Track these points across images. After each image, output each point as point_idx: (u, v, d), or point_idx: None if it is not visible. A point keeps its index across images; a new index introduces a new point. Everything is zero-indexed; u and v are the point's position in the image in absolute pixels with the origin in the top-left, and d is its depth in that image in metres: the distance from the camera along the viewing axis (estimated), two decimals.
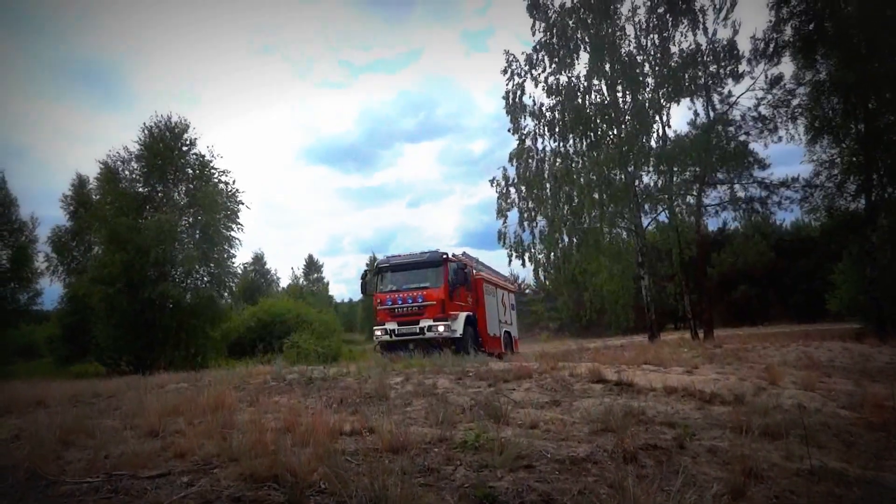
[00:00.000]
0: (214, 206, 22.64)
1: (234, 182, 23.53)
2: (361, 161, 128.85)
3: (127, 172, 23.54)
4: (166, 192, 23.62)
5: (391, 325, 13.85)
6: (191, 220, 23.30)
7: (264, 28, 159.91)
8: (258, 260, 53.71)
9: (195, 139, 23.84)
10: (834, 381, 6.25)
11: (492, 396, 5.08)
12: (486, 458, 3.20)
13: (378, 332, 14.02)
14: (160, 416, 4.66)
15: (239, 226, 23.81)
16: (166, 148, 23.10)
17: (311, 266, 62.25)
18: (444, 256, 14.34)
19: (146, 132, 23.30)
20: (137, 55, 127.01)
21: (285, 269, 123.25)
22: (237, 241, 24.00)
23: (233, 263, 24.51)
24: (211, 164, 23.70)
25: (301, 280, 59.58)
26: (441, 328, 13.29)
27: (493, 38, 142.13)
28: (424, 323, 13.50)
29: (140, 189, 23.67)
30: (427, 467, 3.07)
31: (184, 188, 23.74)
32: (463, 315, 14.25)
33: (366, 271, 15.91)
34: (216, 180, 23.67)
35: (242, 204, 23.91)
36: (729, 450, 3.34)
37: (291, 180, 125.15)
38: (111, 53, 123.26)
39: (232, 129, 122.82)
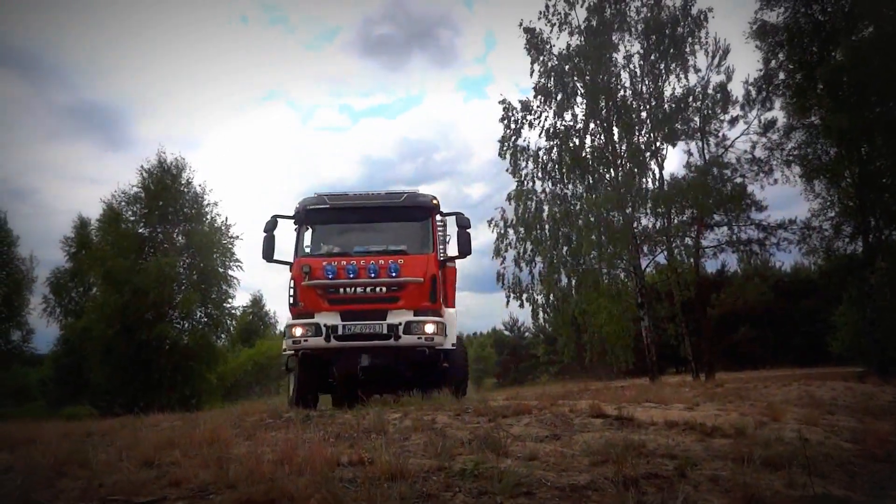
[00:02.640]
0: (210, 244, 22.76)
1: (227, 219, 23.64)
2: None
3: (129, 213, 23.78)
4: (165, 232, 23.81)
5: (328, 319, 7.93)
6: (188, 260, 23.40)
7: (268, 74, 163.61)
8: (256, 302, 53.41)
9: (191, 178, 24.13)
10: (836, 418, 6.19)
11: (491, 430, 5.03)
12: (485, 486, 3.16)
13: (298, 332, 7.94)
14: (155, 449, 4.60)
15: (238, 264, 23.88)
16: (164, 188, 23.37)
17: None
18: (434, 202, 8.89)
19: (145, 173, 23.61)
20: (143, 99, 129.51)
21: (284, 312, 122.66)
22: (235, 281, 24.03)
23: (231, 304, 24.50)
24: (205, 202, 23.92)
25: None
26: (430, 328, 7.96)
27: (491, 85, 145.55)
28: (396, 318, 7.94)
29: (140, 230, 23.85)
30: (426, 493, 3.04)
31: (182, 228, 23.92)
32: (454, 314, 9.34)
33: (273, 218, 8.84)
34: (211, 217, 23.86)
35: (238, 238, 23.99)
36: (731, 478, 3.30)
37: (290, 224, 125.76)
38: (117, 97, 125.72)
39: (234, 173, 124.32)
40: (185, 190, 23.47)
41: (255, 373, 27.35)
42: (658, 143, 20.19)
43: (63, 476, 4.02)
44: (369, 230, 9.00)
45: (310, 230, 8.95)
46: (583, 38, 19.68)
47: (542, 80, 20.19)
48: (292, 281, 8.35)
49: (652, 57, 19.91)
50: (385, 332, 7.99)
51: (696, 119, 20.02)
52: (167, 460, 4.30)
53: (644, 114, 20.33)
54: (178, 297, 21.85)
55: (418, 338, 8.02)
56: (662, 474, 3.42)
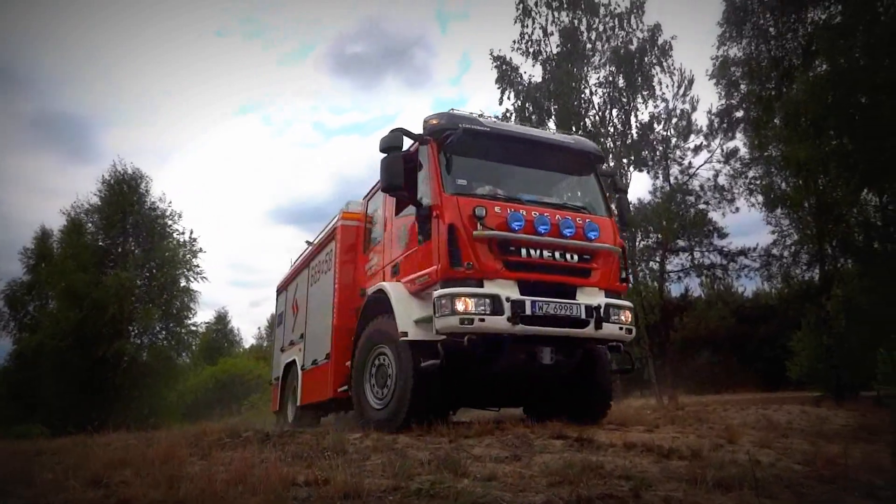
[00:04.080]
0: (172, 258, 22.37)
1: (191, 231, 23.23)
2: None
3: (90, 225, 23.25)
4: (125, 245, 23.33)
5: (505, 291, 5.69)
6: (148, 274, 22.93)
7: (241, 89, 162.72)
8: (221, 319, 52.53)
9: (149, 189, 23.72)
10: (791, 440, 6.34)
11: (451, 451, 5.01)
12: None
13: (469, 306, 5.51)
14: (105, 467, 4.47)
15: (201, 277, 23.43)
16: (124, 201, 22.96)
17: (275, 326, 61.10)
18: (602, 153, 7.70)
19: (104, 184, 23.17)
20: (112, 110, 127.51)
21: (250, 329, 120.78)
22: (197, 294, 23.59)
23: (192, 321, 24.01)
24: (167, 214, 23.55)
25: (265, 341, 58.34)
26: (629, 317, 6.26)
27: (464, 107, 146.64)
28: (587, 298, 6.05)
29: (101, 243, 23.31)
30: None
31: (142, 241, 23.47)
32: None
33: (398, 132, 6.39)
34: (172, 230, 23.48)
35: (202, 251, 23.59)
36: (683, 499, 3.36)
37: (260, 239, 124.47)
38: (85, 107, 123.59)
39: (204, 187, 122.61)
40: (145, 201, 23.08)
41: (216, 391, 26.68)
42: (624, 170, 20.62)
43: (7, 496, 3.88)
44: (529, 177, 6.93)
45: (445, 160, 6.17)
46: (553, 66, 20.08)
47: (513, 107, 20.50)
48: (437, 227, 5.90)
49: (620, 84, 20.41)
50: (582, 315, 5.92)
51: (661, 147, 20.56)
52: (117, 479, 4.18)
53: (611, 141, 20.77)
54: (138, 312, 21.32)
55: (619, 328, 6.14)
56: (617, 495, 3.46)
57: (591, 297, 6.14)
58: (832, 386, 18.36)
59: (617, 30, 19.89)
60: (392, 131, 6.46)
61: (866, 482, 3.82)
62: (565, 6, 19.98)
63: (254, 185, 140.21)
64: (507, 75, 20.56)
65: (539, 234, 5.98)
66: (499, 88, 20.70)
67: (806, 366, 24.92)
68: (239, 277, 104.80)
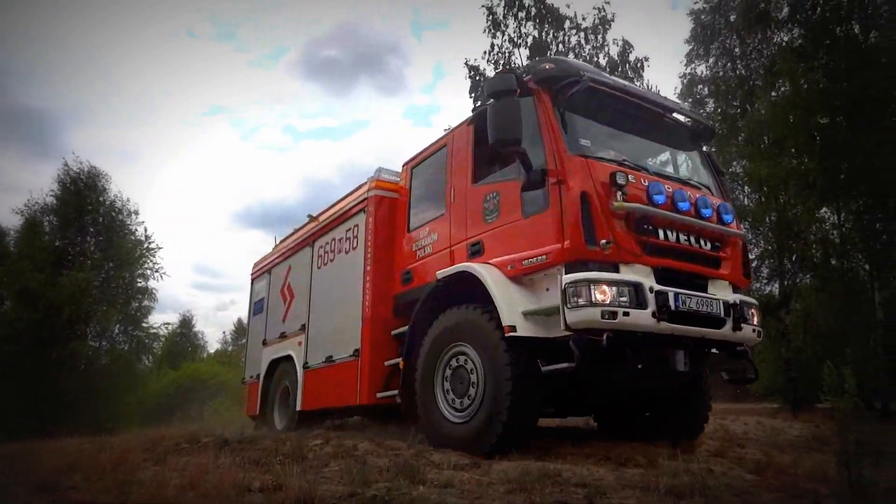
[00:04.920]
0: (130, 257, 21.92)
1: (145, 229, 22.77)
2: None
3: (46, 224, 22.69)
4: (83, 245, 22.81)
5: (646, 280, 4.70)
6: (105, 275, 22.44)
7: (211, 89, 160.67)
8: (186, 323, 51.61)
9: (106, 187, 23.24)
10: (745, 450, 6.48)
11: (411, 458, 5.01)
12: None
13: (607, 295, 4.46)
14: (55, 473, 4.36)
15: (161, 273, 22.94)
16: (81, 200, 22.46)
17: (241, 331, 60.24)
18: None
19: (59, 184, 22.67)
20: (78, 107, 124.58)
21: (215, 333, 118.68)
22: (155, 292, 23.12)
23: (149, 323, 23.52)
24: (126, 213, 23.10)
25: (230, 346, 57.43)
26: (758, 317, 5.49)
27: (437, 115, 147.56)
28: (719, 293, 5.23)
29: (57, 243, 22.76)
30: None
31: (101, 241, 22.97)
32: None
33: (509, 74, 5.29)
34: (131, 229, 23.04)
35: (159, 248, 23.10)
36: None
37: (227, 243, 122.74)
38: (51, 103, 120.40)
39: (169, 188, 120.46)
40: (102, 199, 22.59)
41: (178, 396, 26.14)
42: None
43: None
44: (639, 147, 6.02)
45: (560, 116, 5.15)
46: None
47: None
48: (560, 195, 4.83)
49: None
50: (721, 313, 5.07)
51: None
52: (66, 484, 4.08)
53: None
54: (95, 313, 20.82)
55: (753, 330, 5.36)
56: (572, 502, 3.50)
57: (722, 291, 5.32)
58: (790, 398, 18.85)
59: (584, 44, 20.19)
60: (500, 73, 5.56)
61: (813, 491, 3.93)
62: (532, 18, 20.21)
63: (221, 187, 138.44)
64: (480, 85, 20.71)
65: (680, 213, 5.07)
66: (472, 98, 20.85)
67: (767, 379, 25.56)
68: (204, 281, 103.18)
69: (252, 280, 11.31)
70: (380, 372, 6.73)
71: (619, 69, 20.31)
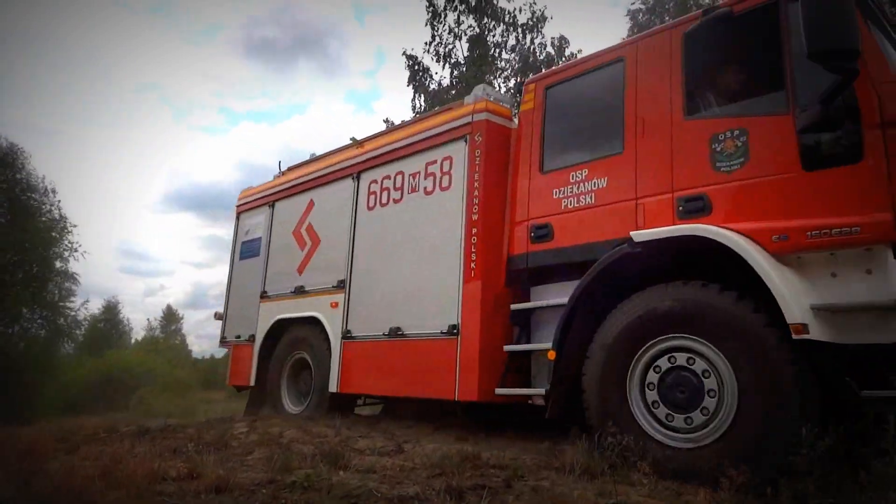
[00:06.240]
0: (47, 238, 20.79)
1: (62, 211, 21.60)
2: (233, 211, 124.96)
3: None
4: None
5: None
6: (17, 258, 21.24)
7: (142, 65, 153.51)
8: (110, 309, 49.49)
9: (24, 165, 22.00)
10: None
11: (337, 445, 5.01)
12: (313, 498, 3.16)
13: None
14: None
15: (81, 252, 21.87)
16: None
17: (170, 318, 58.30)
18: None
19: None
20: None
21: (143, 321, 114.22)
22: (76, 276, 22.07)
23: (66, 305, 22.43)
24: (40, 192, 21.94)
25: (157, 332, 55.48)
26: None
27: (378, 101, 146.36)
28: None
29: None
30: None
31: (19, 221, 21.72)
32: None
33: None
34: (44, 208, 21.89)
35: (74, 226, 21.98)
36: (550, 488, 3.53)
37: (157, 226, 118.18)
38: None
39: (94, 167, 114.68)
40: (20, 178, 21.30)
41: (102, 386, 25.05)
42: None
43: None
44: None
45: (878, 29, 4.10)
46: (464, 70, 20.34)
47: (423, 109, 20.60)
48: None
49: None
50: None
51: None
52: None
53: None
54: (7, 297, 19.64)
55: None
56: (490, 485, 3.59)
57: None
58: None
59: (521, 39, 20.41)
60: None
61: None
62: (471, 10, 20.27)
63: (152, 167, 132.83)
64: (418, 75, 20.64)
65: None
66: (411, 88, 20.74)
67: None
68: (132, 265, 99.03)
69: (239, 213, 9.21)
70: (496, 360, 5.26)
71: (556, 64, 20.67)
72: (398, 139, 6.70)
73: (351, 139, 7.78)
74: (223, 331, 9.01)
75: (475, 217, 5.54)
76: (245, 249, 8.85)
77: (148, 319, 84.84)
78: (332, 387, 6.66)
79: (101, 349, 36.24)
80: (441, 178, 6.01)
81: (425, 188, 6.17)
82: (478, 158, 5.64)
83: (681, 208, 4.31)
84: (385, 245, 6.50)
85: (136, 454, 4.73)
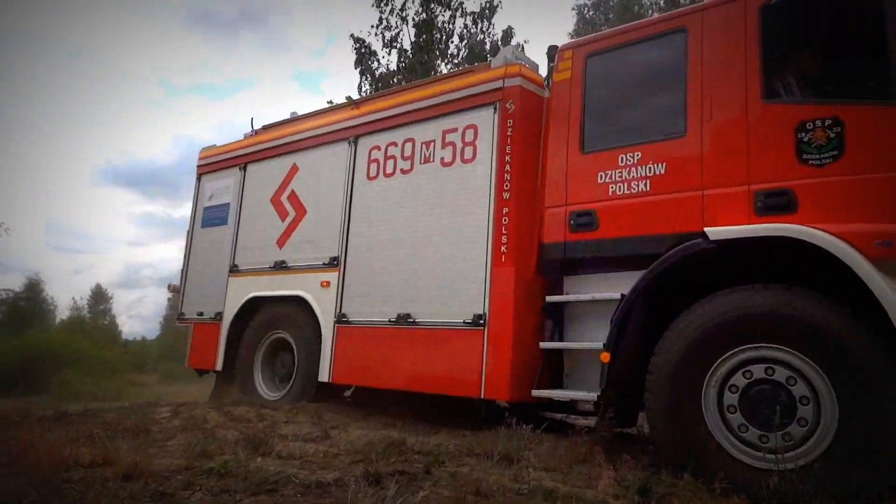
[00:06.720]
0: None
1: None
2: (170, 188, 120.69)
3: None
4: None
5: None
6: None
7: (73, 29, 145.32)
8: (33, 287, 47.02)
9: None
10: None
11: (262, 431, 4.98)
12: (229, 484, 3.14)
13: None
14: None
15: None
16: None
17: (99, 297, 55.95)
18: None
19: None
20: None
21: (69, 300, 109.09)
22: None
23: None
24: None
25: (85, 312, 53.15)
26: None
27: (326, 81, 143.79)
28: None
29: None
30: (161, 493, 2.94)
31: None
32: None
33: None
34: None
35: None
36: (468, 474, 3.63)
37: (88, 201, 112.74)
38: None
39: (22, 138, 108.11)
40: None
41: (21, 366, 23.80)
42: None
43: None
44: None
45: None
46: (409, 56, 20.22)
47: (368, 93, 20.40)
48: None
49: None
50: None
51: None
52: None
53: None
54: None
55: None
56: (410, 471, 3.66)
57: None
58: None
59: (471, 27, 20.46)
60: None
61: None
62: None
63: (84, 140, 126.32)
64: (365, 59, 20.39)
65: None
66: (357, 71, 20.49)
67: None
68: (59, 241, 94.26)
69: (200, 175, 8.20)
70: (529, 355, 4.78)
71: None
72: (407, 101, 5.98)
73: (347, 98, 7.21)
74: (181, 306, 7.98)
75: (506, 196, 4.98)
76: (208, 216, 7.89)
77: (74, 298, 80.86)
78: (324, 376, 6.07)
79: (22, 329, 34.44)
80: (463, 149, 5.38)
81: (442, 158, 5.52)
82: (510, 130, 5.07)
83: (759, 204, 3.83)
84: (390, 220, 5.82)
85: (49, 440, 4.56)
